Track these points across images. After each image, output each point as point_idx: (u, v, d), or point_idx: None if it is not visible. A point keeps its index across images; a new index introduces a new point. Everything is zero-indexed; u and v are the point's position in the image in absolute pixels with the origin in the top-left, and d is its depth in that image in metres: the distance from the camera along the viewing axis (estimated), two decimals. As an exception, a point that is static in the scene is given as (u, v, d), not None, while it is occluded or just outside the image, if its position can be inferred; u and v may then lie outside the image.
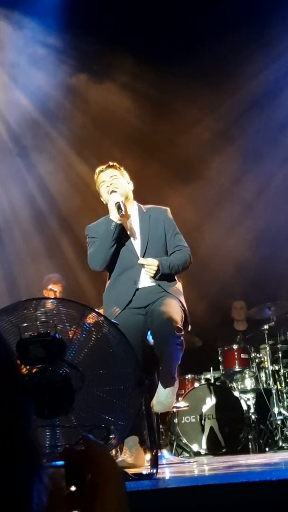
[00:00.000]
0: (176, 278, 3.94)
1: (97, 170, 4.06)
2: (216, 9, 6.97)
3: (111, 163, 4.05)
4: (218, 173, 7.62)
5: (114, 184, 3.94)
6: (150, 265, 3.73)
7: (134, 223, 3.98)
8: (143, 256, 3.86)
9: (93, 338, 2.59)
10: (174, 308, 3.66)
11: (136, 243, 3.91)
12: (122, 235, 3.89)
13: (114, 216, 3.77)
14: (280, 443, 5.75)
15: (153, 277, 3.76)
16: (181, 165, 7.69)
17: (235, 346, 6.34)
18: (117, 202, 3.77)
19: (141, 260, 3.77)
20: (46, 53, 7.38)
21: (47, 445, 2.48)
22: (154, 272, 3.73)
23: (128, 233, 3.94)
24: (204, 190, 7.71)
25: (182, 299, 3.83)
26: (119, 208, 3.76)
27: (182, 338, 3.62)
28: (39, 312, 2.52)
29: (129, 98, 7.64)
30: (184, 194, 7.27)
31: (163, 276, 3.79)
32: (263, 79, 7.48)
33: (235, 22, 7.10)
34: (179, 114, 7.58)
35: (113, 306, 3.83)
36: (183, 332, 3.64)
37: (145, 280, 3.82)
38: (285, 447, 5.66)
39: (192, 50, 7.15)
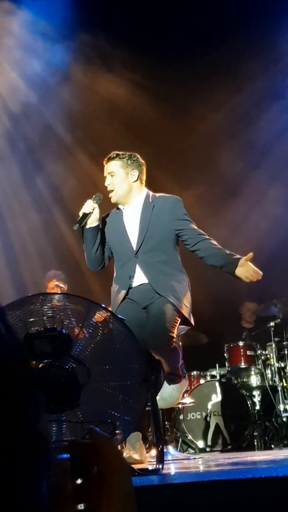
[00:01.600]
0: (176, 273, 3.80)
1: (104, 159, 3.98)
2: (221, 7, 6.96)
3: (113, 155, 3.90)
4: (224, 170, 7.60)
5: (110, 186, 3.87)
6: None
7: (136, 215, 3.87)
8: (138, 249, 3.78)
9: (99, 334, 2.59)
10: (165, 316, 3.55)
11: (134, 236, 3.82)
12: (115, 229, 3.90)
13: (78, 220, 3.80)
14: (286, 440, 5.74)
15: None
16: (187, 162, 7.67)
17: (241, 343, 6.33)
18: (83, 213, 3.76)
19: (254, 278, 3.76)
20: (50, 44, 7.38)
21: (53, 440, 2.49)
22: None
23: (128, 225, 3.88)
24: (211, 188, 7.69)
25: (180, 300, 3.68)
26: (81, 218, 3.76)
27: (173, 344, 3.55)
28: (46, 307, 2.53)
29: (135, 93, 7.62)
30: (191, 191, 7.25)
31: (153, 269, 3.73)
32: (272, 76, 7.44)
33: (242, 20, 7.07)
34: (186, 111, 7.56)
35: (116, 297, 3.82)
36: (174, 339, 3.57)
37: (139, 277, 3.75)
38: (290, 444, 5.66)
39: (199, 46, 7.12)
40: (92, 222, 3.80)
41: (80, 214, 3.79)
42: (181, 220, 3.84)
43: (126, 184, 3.87)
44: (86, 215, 3.77)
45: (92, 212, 3.77)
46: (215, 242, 3.82)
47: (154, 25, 7.21)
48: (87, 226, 3.81)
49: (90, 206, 3.78)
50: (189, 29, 7.27)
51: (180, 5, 7.15)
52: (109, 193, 3.89)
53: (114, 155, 3.90)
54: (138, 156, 3.96)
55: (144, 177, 3.97)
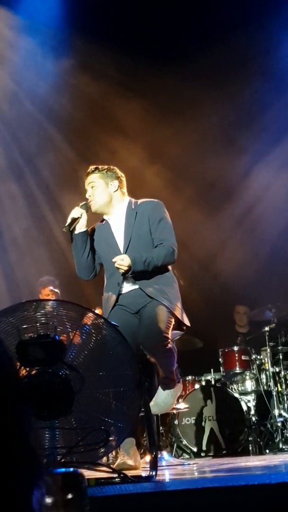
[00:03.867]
0: (165, 277, 3.83)
1: (84, 174, 4.07)
2: (218, 6, 6.97)
3: (92, 168, 3.99)
4: (219, 175, 7.61)
5: (92, 196, 3.93)
6: (121, 264, 3.66)
7: (120, 224, 3.93)
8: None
9: (93, 340, 2.59)
10: (159, 317, 3.60)
11: (120, 243, 3.89)
12: (105, 239, 3.93)
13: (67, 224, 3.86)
14: (280, 445, 5.74)
15: (124, 275, 3.71)
16: (182, 167, 7.68)
17: (235, 348, 6.33)
18: (72, 218, 3.84)
19: (114, 259, 3.71)
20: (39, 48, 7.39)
21: (46, 447, 2.48)
22: (124, 270, 3.66)
23: (114, 233, 3.93)
24: (206, 192, 7.70)
25: (172, 302, 3.72)
26: (70, 223, 3.83)
27: (169, 345, 3.60)
28: (39, 313, 2.53)
29: (128, 98, 7.61)
30: (185, 195, 7.27)
31: (141, 274, 3.72)
32: (267, 79, 7.45)
33: (239, 21, 7.08)
34: (180, 116, 7.57)
35: (107, 305, 3.84)
36: (169, 340, 3.61)
37: (128, 284, 3.80)
38: (285, 449, 5.66)
39: (195, 50, 7.13)
40: (81, 227, 3.88)
41: (69, 219, 3.87)
42: (155, 225, 3.87)
43: (106, 193, 3.95)
44: (75, 220, 3.86)
45: (80, 217, 3.86)
46: (160, 248, 3.80)
47: (149, 29, 7.23)
48: (76, 231, 3.88)
49: (78, 212, 3.86)
50: (185, 31, 7.28)
51: (178, 5, 7.15)
52: (90, 203, 3.95)
53: (93, 169, 3.99)
54: (117, 169, 4.05)
55: (125, 188, 4.04)
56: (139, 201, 4.01)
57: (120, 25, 7.17)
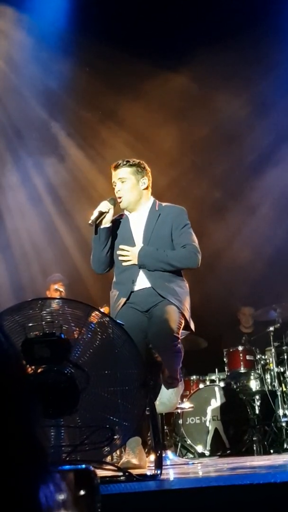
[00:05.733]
0: (176, 279, 3.84)
1: (112, 165, 3.98)
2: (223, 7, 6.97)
3: (123, 161, 3.90)
4: (224, 174, 7.60)
5: (120, 192, 3.87)
6: (125, 254, 3.71)
7: (141, 222, 3.91)
8: None
9: (98, 339, 2.60)
10: (171, 317, 3.61)
11: (138, 241, 3.87)
12: (122, 235, 3.92)
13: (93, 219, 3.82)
14: (285, 445, 5.74)
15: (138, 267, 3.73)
16: (187, 166, 7.68)
17: (240, 348, 6.33)
18: (99, 211, 3.78)
19: (121, 246, 3.73)
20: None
21: (51, 445, 2.49)
22: (128, 259, 3.71)
23: (134, 231, 3.92)
24: (211, 192, 7.70)
25: (182, 303, 3.74)
26: (97, 217, 3.77)
27: (179, 345, 3.62)
28: (44, 312, 2.54)
29: (133, 99, 7.61)
30: (190, 195, 7.25)
31: (153, 273, 3.73)
32: (272, 81, 7.43)
33: (242, 23, 7.07)
34: (185, 115, 7.57)
35: (117, 303, 3.83)
36: (179, 340, 3.64)
37: (142, 282, 3.78)
38: (289, 449, 5.66)
39: (197, 51, 7.10)
40: (106, 222, 3.83)
41: (96, 212, 3.79)
42: (178, 230, 3.87)
43: (136, 191, 3.90)
44: (102, 214, 3.78)
45: (107, 212, 3.80)
46: (180, 249, 3.83)
47: (154, 29, 7.23)
48: (102, 226, 3.83)
49: (106, 206, 3.80)
50: (190, 32, 7.27)
51: (181, 6, 7.15)
52: (119, 198, 3.89)
53: (125, 162, 3.90)
54: (145, 164, 3.99)
55: (151, 186, 4.00)
56: (163, 204, 3.99)
57: (124, 24, 7.16)
